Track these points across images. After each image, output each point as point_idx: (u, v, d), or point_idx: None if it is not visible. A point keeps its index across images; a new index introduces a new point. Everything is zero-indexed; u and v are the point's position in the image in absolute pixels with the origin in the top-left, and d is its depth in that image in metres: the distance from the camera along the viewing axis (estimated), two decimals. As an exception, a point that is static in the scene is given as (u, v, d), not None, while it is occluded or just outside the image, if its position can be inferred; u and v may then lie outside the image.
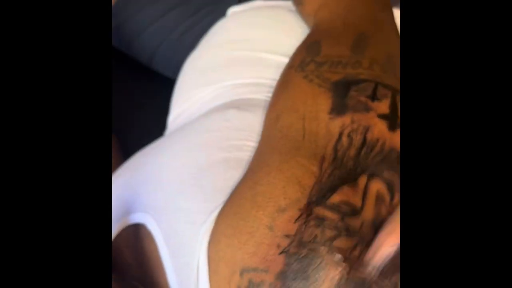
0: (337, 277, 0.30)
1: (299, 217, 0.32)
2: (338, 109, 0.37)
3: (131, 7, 0.70)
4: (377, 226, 0.32)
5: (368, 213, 0.32)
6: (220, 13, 0.65)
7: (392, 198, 0.33)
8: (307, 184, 0.33)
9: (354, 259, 0.30)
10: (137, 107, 0.73)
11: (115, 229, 0.42)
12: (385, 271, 0.30)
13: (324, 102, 0.38)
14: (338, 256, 0.30)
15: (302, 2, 0.54)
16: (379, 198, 0.33)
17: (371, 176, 0.34)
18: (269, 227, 0.32)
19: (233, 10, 0.64)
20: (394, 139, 0.35)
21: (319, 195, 0.33)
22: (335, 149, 0.35)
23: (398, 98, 0.38)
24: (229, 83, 0.51)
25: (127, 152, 0.54)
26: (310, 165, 0.34)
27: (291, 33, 0.53)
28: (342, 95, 0.38)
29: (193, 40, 0.66)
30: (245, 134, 0.42)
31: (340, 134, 0.36)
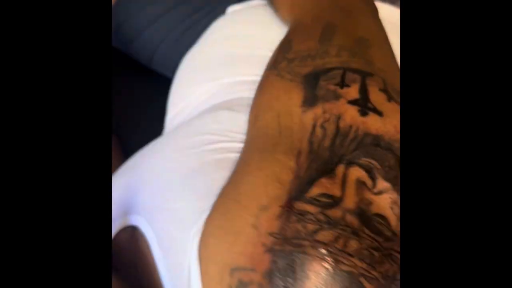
0: (323, 271, 0.30)
1: (280, 214, 0.32)
2: (309, 101, 0.37)
3: (131, 7, 0.70)
4: (362, 214, 0.32)
5: (349, 201, 0.32)
6: (219, 13, 0.65)
7: (374, 183, 0.33)
8: (285, 180, 0.34)
9: (338, 252, 0.30)
10: (137, 107, 0.73)
11: (113, 230, 0.42)
12: (373, 261, 0.30)
13: (296, 96, 0.38)
14: (322, 250, 0.30)
15: (277, 8, 0.56)
16: (359, 185, 0.33)
17: (348, 164, 0.33)
18: (254, 226, 0.32)
19: (232, 9, 0.64)
20: (367, 123, 0.35)
21: (298, 190, 0.33)
22: (310, 142, 0.35)
23: (368, 80, 0.38)
24: (226, 81, 0.51)
25: (127, 151, 0.54)
26: (287, 160, 0.35)
27: None
28: (313, 87, 0.38)
29: (193, 40, 0.66)
30: (236, 136, 0.42)
31: (314, 126, 0.36)
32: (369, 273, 0.30)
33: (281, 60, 0.43)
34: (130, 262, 0.42)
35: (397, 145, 0.34)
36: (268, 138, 0.37)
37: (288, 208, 0.32)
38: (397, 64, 0.44)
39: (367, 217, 0.32)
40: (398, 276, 0.30)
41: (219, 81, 0.52)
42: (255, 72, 0.51)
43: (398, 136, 0.35)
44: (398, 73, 0.42)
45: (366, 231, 0.31)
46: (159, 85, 0.71)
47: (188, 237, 0.36)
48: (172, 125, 0.56)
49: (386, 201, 0.32)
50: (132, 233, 0.42)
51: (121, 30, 0.71)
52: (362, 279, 0.30)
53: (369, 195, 0.32)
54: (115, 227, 0.43)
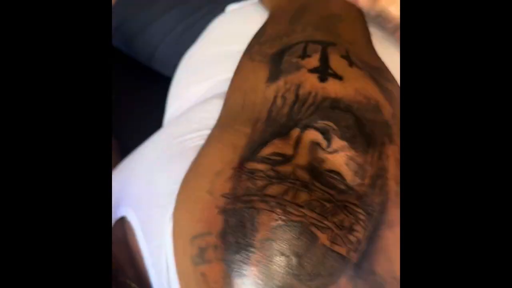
0: (272, 223, 0.30)
1: (232, 175, 0.33)
2: (273, 76, 0.38)
3: (131, 7, 0.70)
4: (313, 170, 0.32)
5: (301, 158, 0.32)
6: (219, 12, 0.65)
7: (329, 143, 0.33)
8: (239, 145, 0.34)
9: (287, 203, 0.30)
10: (137, 107, 0.73)
11: None
12: (324, 212, 0.30)
13: (262, 74, 0.39)
14: (271, 203, 0.30)
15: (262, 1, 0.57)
16: (313, 146, 0.33)
17: (303, 128, 0.34)
18: (209, 192, 0.33)
19: (231, 8, 0.64)
20: (327, 88, 0.35)
21: (250, 151, 0.33)
22: (269, 111, 0.36)
23: (329, 49, 0.38)
24: (222, 78, 0.52)
25: (127, 152, 0.54)
26: (244, 128, 0.35)
27: None
28: (278, 63, 0.38)
29: (193, 39, 0.66)
30: None
31: (275, 98, 0.36)
32: (321, 222, 0.30)
33: (254, 45, 0.43)
34: (122, 257, 0.43)
35: (357, 106, 0.34)
36: (231, 113, 0.38)
37: (240, 169, 0.32)
38: (371, 42, 0.44)
39: (318, 172, 0.32)
40: (356, 227, 0.30)
41: (213, 79, 0.53)
42: None
43: (360, 98, 0.35)
44: (369, 48, 0.43)
45: (317, 184, 0.31)
46: (159, 85, 0.71)
47: (165, 219, 0.36)
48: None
49: (342, 158, 0.32)
50: (121, 226, 0.42)
51: (121, 29, 0.71)
52: (313, 228, 0.30)
53: (322, 154, 0.33)
54: None
